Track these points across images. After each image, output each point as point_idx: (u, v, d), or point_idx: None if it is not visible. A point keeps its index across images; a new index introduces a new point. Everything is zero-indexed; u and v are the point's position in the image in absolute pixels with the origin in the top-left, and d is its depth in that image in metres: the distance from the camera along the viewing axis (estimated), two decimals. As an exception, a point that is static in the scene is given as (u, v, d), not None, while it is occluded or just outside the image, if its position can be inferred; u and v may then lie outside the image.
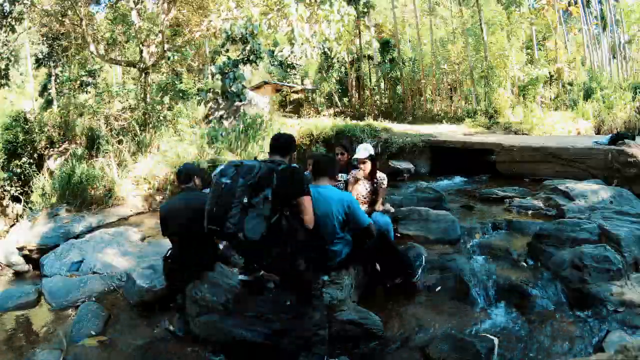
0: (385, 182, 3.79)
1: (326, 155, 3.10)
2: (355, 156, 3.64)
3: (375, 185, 3.72)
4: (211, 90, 9.42)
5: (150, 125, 8.44)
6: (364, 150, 3.65)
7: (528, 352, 2.30)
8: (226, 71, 7.51)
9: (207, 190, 3.40)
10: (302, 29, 6.73)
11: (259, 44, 7.20)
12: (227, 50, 7.85)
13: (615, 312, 2.52)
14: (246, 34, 6.85)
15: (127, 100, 9.45)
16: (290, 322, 2.38)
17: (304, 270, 2.32)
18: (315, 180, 2.84)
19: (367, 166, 3.64)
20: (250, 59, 7.39)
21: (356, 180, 3.74)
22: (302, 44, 6.92)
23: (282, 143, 2.54)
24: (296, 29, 6.69)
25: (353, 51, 19.07)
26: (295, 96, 19.72)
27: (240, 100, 8.12)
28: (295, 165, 2.43)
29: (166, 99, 9.29)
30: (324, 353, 2.26)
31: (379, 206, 3.61)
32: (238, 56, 7.67)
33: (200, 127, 8.70)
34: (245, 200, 2.09)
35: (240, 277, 2.56)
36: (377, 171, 3.76)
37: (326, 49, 7.44)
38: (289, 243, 2.22)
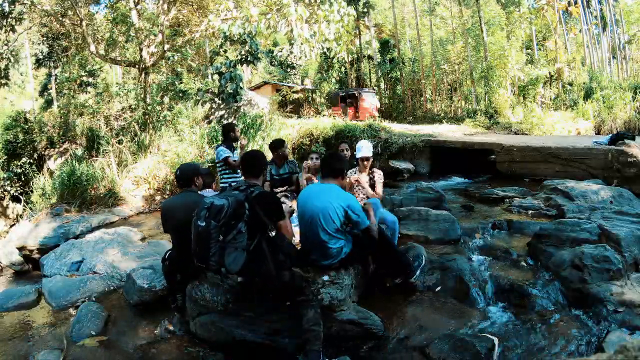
0: (382, 176, 3.84)
1: (335, 155, 3.10)
2: (360, 155, 3.67)
3: (372, 180, 3.77)
4: (209, 90, 9.41)
5: (150, 126, 8.44)
6: (367, 148, 3.70)
7: (528, 352, 2.30)
8: (223, 72, 7.51)
9: (208, 192, 3.40)
10: (302, 29, 6.73)
11: (257, 45, 7.20)
12: (226, 51, 7.83)
13: (615, 312, 2.52)
14: (244, 34, 6.86)
15: (127, 100, 9.45)
16: (287, 322, 2.39)
17: (290, 280, 2.44)
18: (322, 178, 2.86)
19: (369, 163, 3.71)
20: (248, 59, 7.38)
21: (355, 179, 3.78)
22: (301, 44, 6.92)
23: (253, 164, 2.67)
24: (295, 29, 6.69)
25: (353, 51, 19.06)
26: (295, 96, 19.72)
27: (236, 101, 8.11)
28: (266, 190, 2.64)
29: (166, 99, 9.29)
30: (319, 349, 2.28)
31: (378, 193, 3.66)
32: (236, 57, 7.67)
33: (201, 127, 8.70)
34: (221, 238, 2.26)
35: (239, 279, 2.56)
36: (373, 167, 3.84)
37: (325, 50, 7.42)
38: (271, 261, 2.38)
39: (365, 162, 3.72)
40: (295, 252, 2.87)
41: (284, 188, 4.26)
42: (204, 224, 2.29)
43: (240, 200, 2.34)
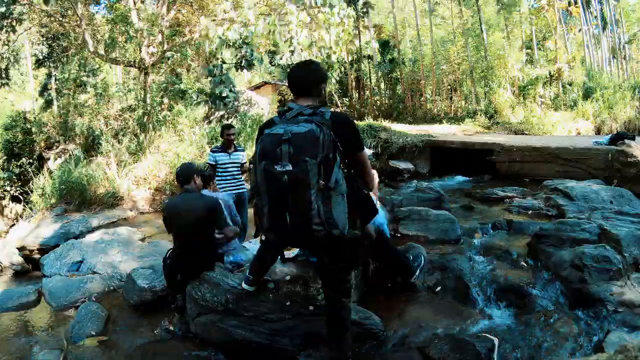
0: (376, 177, 3.81)
1: None
2: None
3: None
4: (203, 92, 9.41)
5: (150, 126, 8.45)
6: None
7: (528, 352, 2.30)
8: (214, 74, 7.51)
9: (207, 192, 3.41)
10: (301, 37, 6.73)
11: (252, 50, 7.20)
12: (221, 54, 7.83)
13: (615, 312, 2.52)
14: (240, 40, 6.85)
15: (126, 100, 9.46)
16: (287, 322, 2.37)
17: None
18: None
19: None
20: (242, 64, 7.39)
21: None
22: (301, 50, 6.92)
23: (312, 75, 1.87)
24: (295, 37, 6.69)
25: (353, 51, 19.04)
26: (295, 96, 19.68)
27: (225, 104, 8.09)
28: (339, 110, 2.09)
29: (166, 99, 9.30)
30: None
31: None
32: (234, 59, 7.67)
33: (201, 127, 8.70)
34: (322, 183, 1.59)
35: (244, 286, 2.50)
36: None
37: (325, 55, 7.44)
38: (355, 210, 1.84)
39: None
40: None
41: None
42: (290, 167, 1.59)
43: (324, 121, 1.69)
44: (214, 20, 7.53)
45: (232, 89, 7.89)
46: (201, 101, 9.60)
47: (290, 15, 6.58)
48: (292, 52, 7.11)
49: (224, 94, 7.42)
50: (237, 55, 7.24)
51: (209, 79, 9.30)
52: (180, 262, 2.77)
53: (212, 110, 10.14)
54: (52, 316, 3.26)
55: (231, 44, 6.97)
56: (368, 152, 3.71)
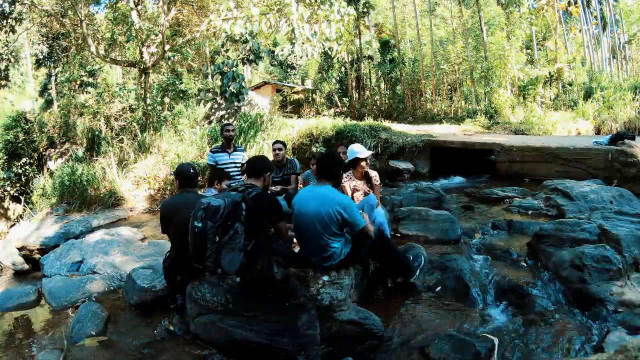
0: (378, 178, 3.84)
1: (328, 156, 3.08)
2: (359, 156, 3.64)
3: (369, 183, 3.76)
4: (210, 90, 9.39)
5: (151, 126, 8.44)
6: (365, 148, 3.69)
7: (528, 352, 2.30)
8: (225, 71, 7.49)
9: (209, 191, 3.41)
10: (303, 29, 6.73)
11: (259, 44, 7.18)
12: (227, 50, 7.81)
13: (615, 312, 2.52)
14: (246, 33, 6.84)
15: (127, 100, 9.45)
16: (287, 322, 2.40)
17: (283, 280, 2.46)
18: (318, 179, 2.87)
19: (365, 164, 3.68)
20: (250, 58, 7.37)
21: (349, 180, 3.78)
22: (302, 43, 6.91)
23: (256, 166, 2.71)
24: (297, 29, 6.69)
25: (353, 51, 19.06)
26: (295, 96, 19.72)
27: (239, 101, 8.08)
28: (264, 191, 2.63)
29: (166, 100, 9.29)
30: (318, 352, 2.29)
31: (378, 204, 3.63)
32: (238, 56, 7.64)
33: (201, 127, 8.69)
34: (217, 239, 2.26)
35: (237, 279, 2.55)
36: (369, 169, 3.82)
37: (327, 49, 7.42)
38: (266, 259, 2.39)
39: (363, 163, 3.69)
40: (292, 254, 2.86)
41: (279, 188, 4.28)
42: (200, 224, 2.27)
43: (236, 200, 2.32)
44: (219, 16, 7.50)
45: (244, 84, 7.87)
46: (209, 99, 9.55)
47: (290, 7, 6.58)
48: (293, 44, 7.08)
49: (236, 91, 7.40)
50: (243, 50, 7.21)
51: (214, 76, 9.28)
52: (177, 262, 2.77)
53: (213, 110, 10.13)
54: (52, 316, 3.26)
55: (237, 38, 6.94)
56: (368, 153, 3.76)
